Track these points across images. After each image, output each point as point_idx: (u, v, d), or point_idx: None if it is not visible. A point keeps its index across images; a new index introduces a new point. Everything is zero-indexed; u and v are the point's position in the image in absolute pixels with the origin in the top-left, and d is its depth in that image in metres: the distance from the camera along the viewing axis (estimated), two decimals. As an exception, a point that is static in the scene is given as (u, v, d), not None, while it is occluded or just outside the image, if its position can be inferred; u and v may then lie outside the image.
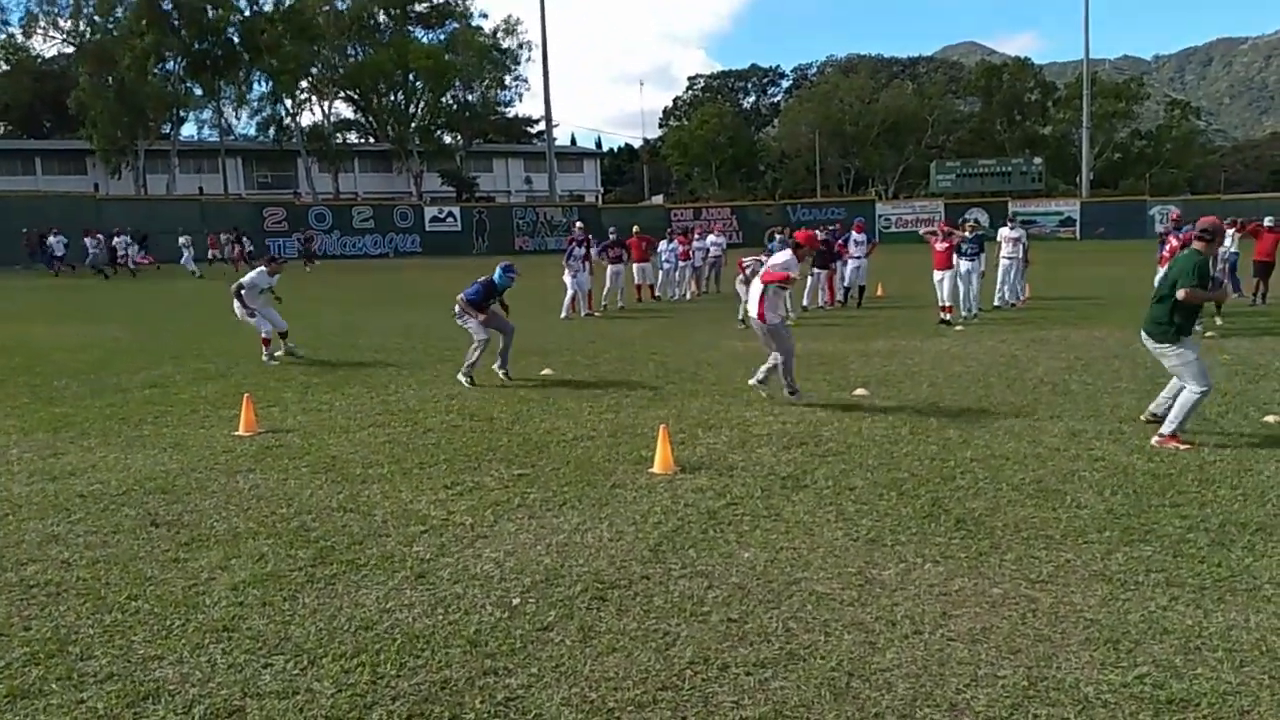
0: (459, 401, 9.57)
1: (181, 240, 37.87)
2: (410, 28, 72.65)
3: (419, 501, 6.07)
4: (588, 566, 4.91)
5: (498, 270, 10.91)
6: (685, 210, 61.79)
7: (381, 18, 71.42)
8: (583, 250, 19.14)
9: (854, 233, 20.19)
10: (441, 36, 71.95)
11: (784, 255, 9.46)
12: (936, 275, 16.36)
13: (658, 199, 76.14)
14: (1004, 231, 18.81)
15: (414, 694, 3.63)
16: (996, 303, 18.41)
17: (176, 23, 58.30)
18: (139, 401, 9.76)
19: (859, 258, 19.77)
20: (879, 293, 22.82)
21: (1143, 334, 7.71)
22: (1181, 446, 7.17)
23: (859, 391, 9.79)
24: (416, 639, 4.09)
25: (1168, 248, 16.39)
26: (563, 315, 18.13)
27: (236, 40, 61.12)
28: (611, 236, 20.44)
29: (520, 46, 71.61)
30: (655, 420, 8.46)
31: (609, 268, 19.89)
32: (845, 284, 19.93)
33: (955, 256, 16.80)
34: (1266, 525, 5.39)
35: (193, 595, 4.60)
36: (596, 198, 79.29)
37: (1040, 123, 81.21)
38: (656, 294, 21.95)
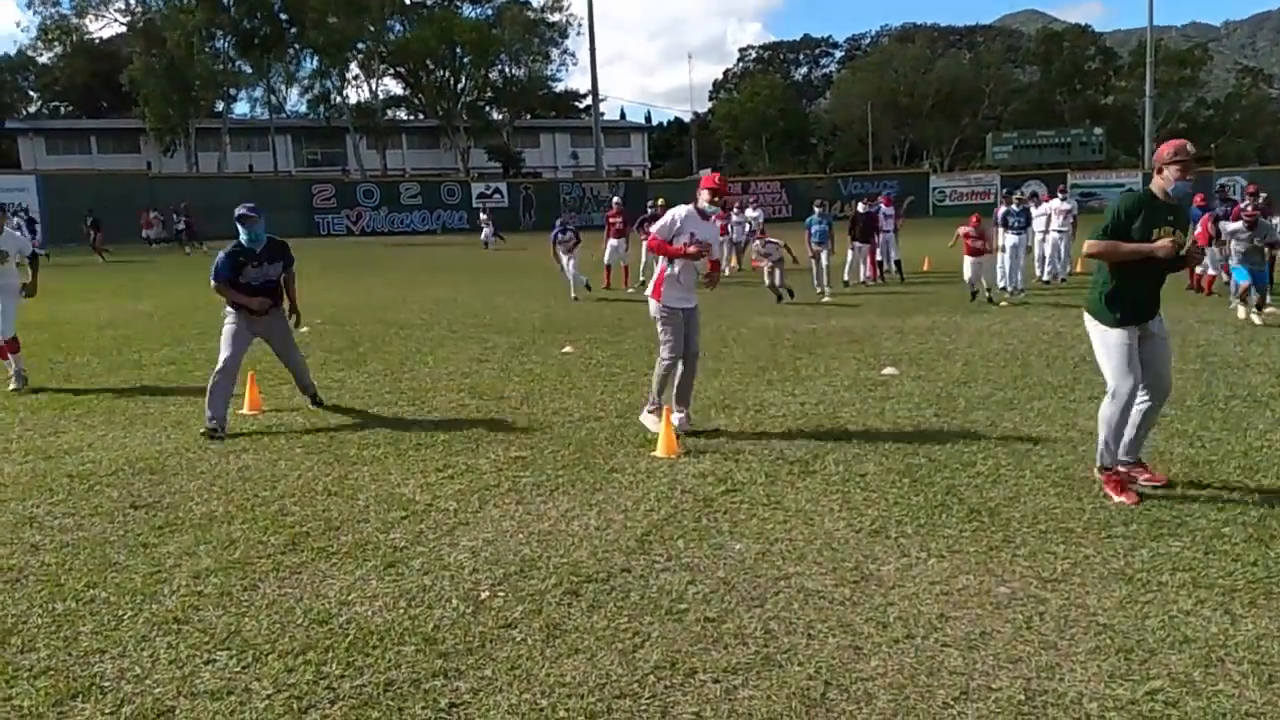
0: (472, 380, 9.34)
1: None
2: (457, 3, 72.64)
3: (406, 485, 5.83)
4: (567, 558, 4.63)
5: (237, 214, 7.43)
6: (734, 184, 61.09)
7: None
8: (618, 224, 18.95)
9: (882, 205, 19.64)
10: (489, 11, 71.77)
11: (671, 212, 7.05)
12: (967, 261, 15.79)
13: (705, 173, 75.35)
14: (1054, 203, 18.07)
15: (354, 696, 3.38)
16: (1046, 278, 17.73)
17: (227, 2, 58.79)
18: (152, 379, 9.69)
19: (887, 231, 19.23)
20: (925, 267, 22.21)
21: None
22: (1117, 497, 5.27)
23: (888, 370, 9.37)
24: (371, 635, 3.84)
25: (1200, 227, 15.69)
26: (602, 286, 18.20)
27: (284, 17, 61.47)
28: (650, 210, 20.03)
29: (567, 20, 71.04)
30: (670, 400, 8.14)
31: (645, 242, 19.46)
32: (878, 259, 19.40)
33: (1002, 232, 16.20)
34: (1313, 519, 4.93)
35: (152, 584, 4.40)
36: (644, 172, 78.68)
37: (1102, 92, 78.81)
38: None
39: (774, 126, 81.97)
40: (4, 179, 43.75)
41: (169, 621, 4.01)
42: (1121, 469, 5.45)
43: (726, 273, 22.23)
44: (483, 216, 40.48)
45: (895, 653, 3.61)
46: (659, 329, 7.00)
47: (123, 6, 59.53)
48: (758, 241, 16.94)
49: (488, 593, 4.25)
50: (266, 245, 7.53)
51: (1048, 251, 17.98)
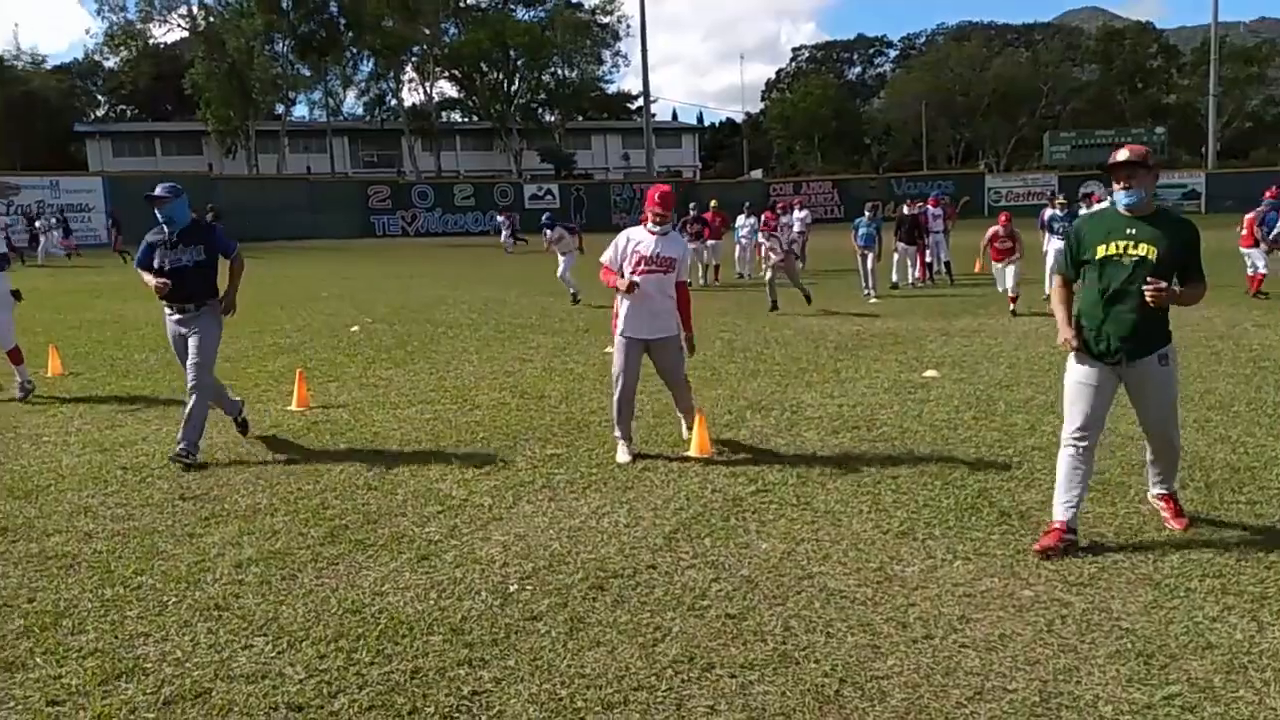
0: (514, 379, 9.48)
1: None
2: (511, 5, 73.28)
3: (445, 480, 5.96)
4: (595, 553, 4.72)
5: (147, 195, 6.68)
6: (785, 184, 60.85)
7: (482, -3, 72.32)
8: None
9: (930, 206, 19.47)
10: (541, 14, 72.28)
11: (620, 235, 6.56)
12: (995, 266, 15.57)
13: (757, 173, 75.04)
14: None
15: (382, 683, 3.50)
16: None
17: (285, 4, 59.91)
18: (207, 375, 9.95)
19: (937, 232, 19.04)
20: (976, 268, 21.95)
21: None
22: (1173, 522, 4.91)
23: (929, 373, 9.34)
24: (401, 624, 3.96)
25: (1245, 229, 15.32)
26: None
27: (341, 20, 62.57)
28: (691, 213, 20.07)
29: (619, 21, 71.24)
30: (707, 401, 8.21)
31: (689, 245, 19.40)
32: (927, 260, 19.23)
33: (1046, 237, 15.94)
34: (1353, 527, 4.85)
35: (196, 572, 4.57)
36: (694, 173, 78.64)
37: (1164, 91, 77.07)
38: (739, 271, 21.43)
39: (826, 126, 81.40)
40: (73, 180, 45.11)
41: (210, 608, 4.17)
42: (1151, 499, 5.09)
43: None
44: (500, 219, 39.77)
45: (913, 652, 3.65)
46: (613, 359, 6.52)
47: (185, 12, 60.87)
48: (763, 236, 16.71)
49: (516, 586, 4.35)
50: (185, 229, 6.62)
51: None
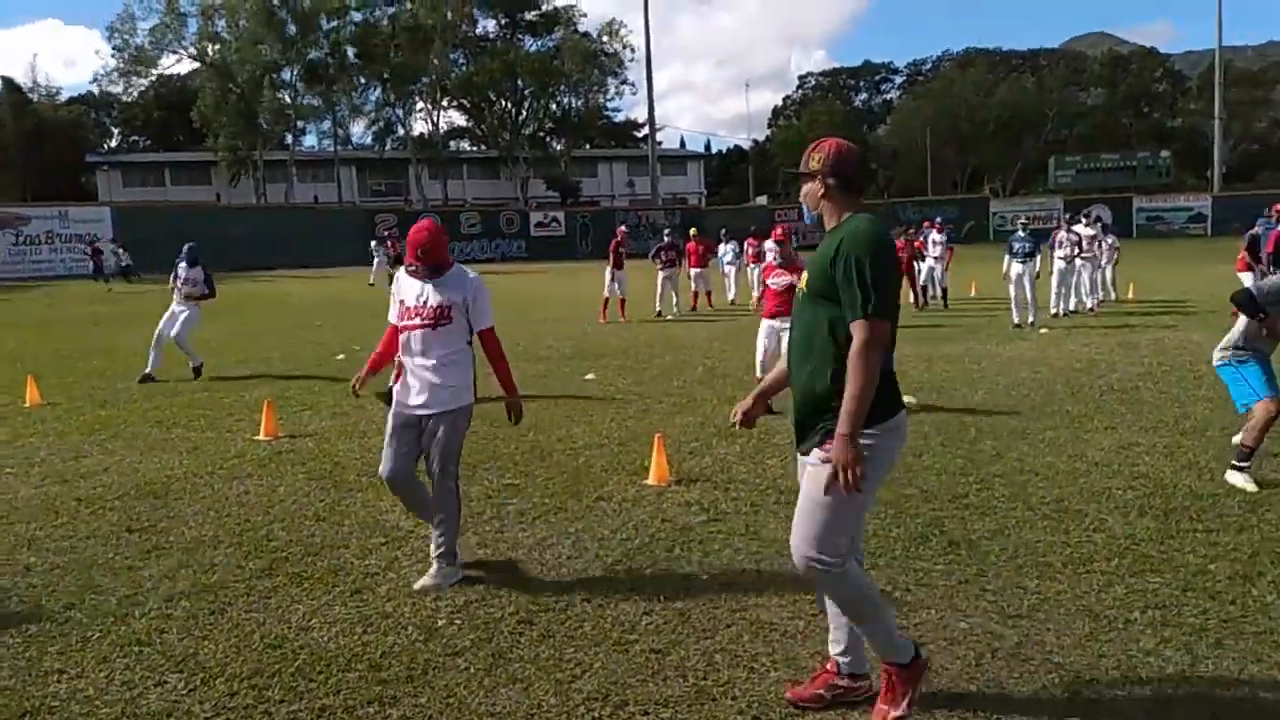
0: (487, 407, 9.39)
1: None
2: (520, 36, 73.91)
3: (394, 511, 5.90)
4: (531, 586, 4.65)
5: None
6: (790, 209, 60.95)
7: (491, 27, 72.95)
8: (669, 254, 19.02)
9: (933, 232, 19.37)
10: (550, 44, 72.85)
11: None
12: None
13: (762, 199, 75.22)
14: (1079, 229, 17.59)
15: (288, 721, 3.44)
16: (1073, 307, 17.16)
17: (292, 32, 60.58)
18: (183, 405, 9.95)
19: (936, 258, 18.96)
20: (972, 291, 21.92)
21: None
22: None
23: (905, 399, 9.22)
24: (320, 660, 3.90)
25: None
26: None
27: (351, 51, 63.25)
28: (666, 239, 19.91)
29: (625, 48, 71.65)
30: (675, 428, 8.16)
31: (659, 272, 19.06)
32: (922, 284, 19.14)
33: (1007, 259, 15.87)
34: (1308, 557, 4.74)
35: (126, 606, 4.52)
36: (700, 199, 78.87)
37: (1169, 115, 77.09)
38: (731, 298, 21.39)
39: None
40: (81, 210, 45.46)
41: (133, 643, 4.11)
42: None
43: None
44: (374, 244, 33.99)
45: (833, 688, 3.55)
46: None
47: (193, 42, 61.56)
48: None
49: (444, 620, 4.28)
50: None
51: (1084, 281, 17.46)
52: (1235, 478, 6.01)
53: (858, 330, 3.02)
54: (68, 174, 66.36)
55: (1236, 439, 6.43)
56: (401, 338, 4.72)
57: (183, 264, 11.79)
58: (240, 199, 61.61)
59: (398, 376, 4.74)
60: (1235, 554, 4.82)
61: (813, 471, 3.18)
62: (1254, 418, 5.93)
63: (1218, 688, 3.48)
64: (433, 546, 4.76)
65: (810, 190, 3.28)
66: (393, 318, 4.82)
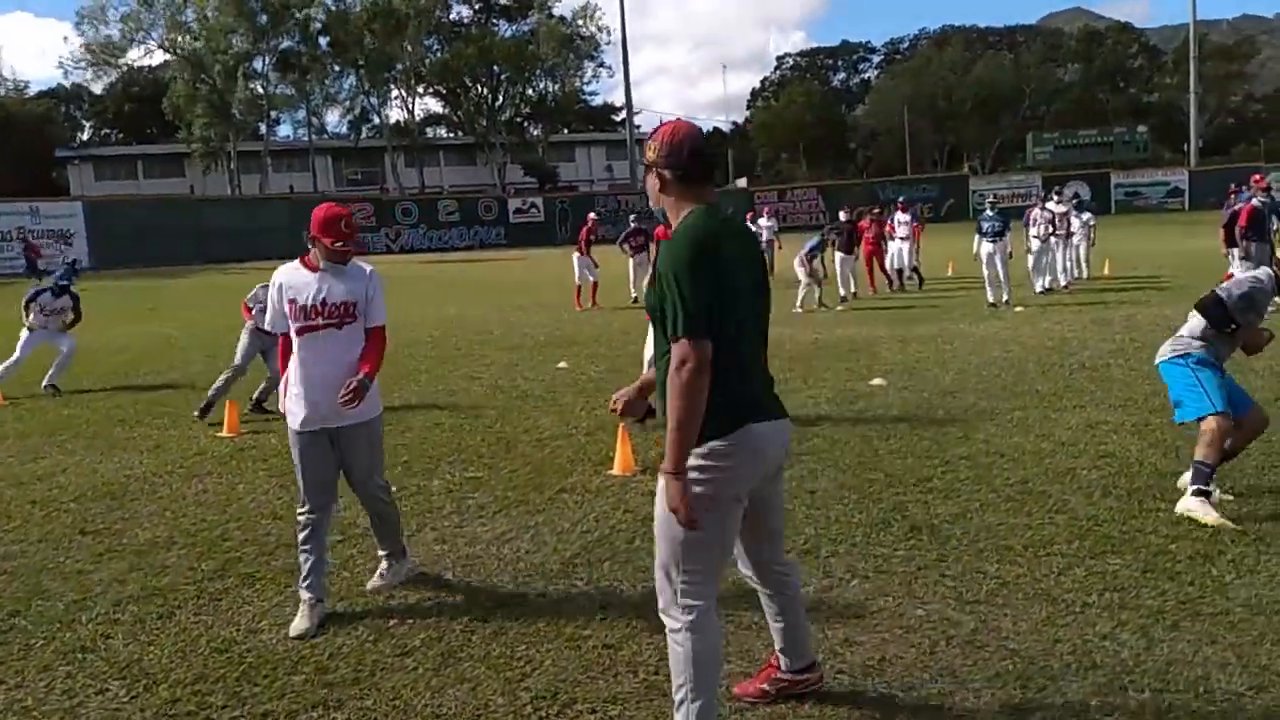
0: (457, 398, 9.35)
1: None
2: (495, 21, 73.41)
3: (352, 508, 5.79)
4: (487, 582, 4.59)
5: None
6: (769, 193, 60.86)
7: (465, 12, 72.42)
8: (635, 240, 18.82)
9: (898, 213, 19.31)
10: (524, 28, 72.37)
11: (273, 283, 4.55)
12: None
13: (741, 182, 75.12)
14: (1051, 206, 17.54)
15: (229, 729, 3.36)
16: (1048, 285, 17.12)
17: (263, 21, 59.92)
18: (147, 403, 9.83)
19: (903, 239, 18.89)
20: (949, 270, 21.91)
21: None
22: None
23: (875, 381, 9.21)
24: (266, 663, 3.82)
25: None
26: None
27: (323, 39, 62.68)
28: (633, 224, 19.71)
29: (600, 31, 71.18)
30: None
31: (629, 258, 18.84)
32: (896, 267, 19.08)
33: (977, 239, 15.83)
34: (1268, 535, 4.72)
35: (74, 611, 4.43)
36: (680, 183, 78.55)
37: (1146, 90, 77.30)
38: None
39: (811, 134, 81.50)
40: (52, 206, 44.93)
41: (76, 650, 4.02)
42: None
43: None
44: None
45: (786, 680, 3.51)
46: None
47: (164, 33, 60.77)
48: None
49: (396, 619, 4.21)
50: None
51: (1058, 258, 17.44)
52: (1196, 507, 4.98)
53: (674, 352, 2.69)
54: (38, 168, 65.51)
55: (1182, 480, 5.35)
56: (297, 343, 4.20)
57: (47, 294, 10.56)
58: (215, 191, 61.06)
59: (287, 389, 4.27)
60: (1197, 533, 4.79)
61: (659, 494, 2.88)
62: (1206, 431, 5.03)
63: (1171, 670, 3.45)
64: (380, 550, 4.63)
65: (650, 185, 2.94)
66: (271, 324, 4.33)
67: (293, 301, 4.18)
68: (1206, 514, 4.93)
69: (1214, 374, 5.19)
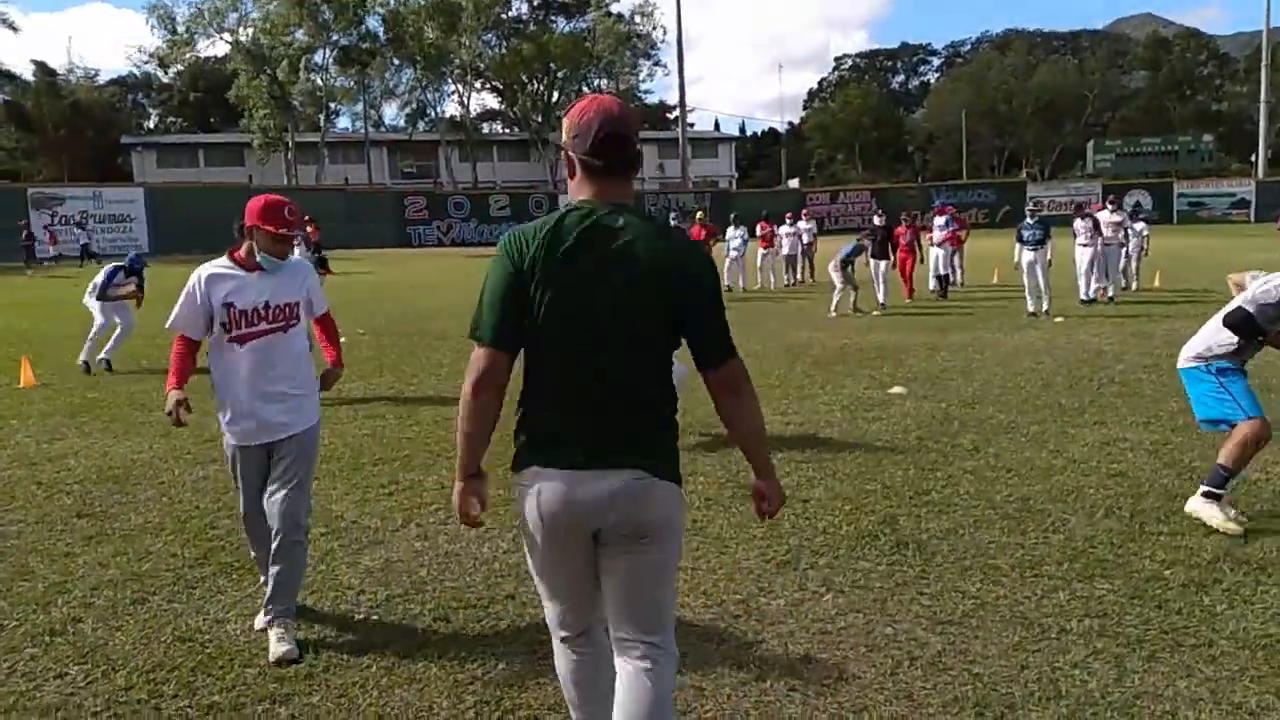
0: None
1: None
2: (553, 17, 73.72)
3: (343, 500, 5.84)
4: (458, 581, 4.56)
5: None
6: (821, 194, 60.34)
7: (524, 9, 72.83)
8: None
9: (936, 216, 18.91)
10: (582, 25, 72.55)
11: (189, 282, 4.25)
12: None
13: (793, 183, 74.57)
14: (1104, 215, 17.08)
15: (177, 717, 3.37)
16: (1093, 294, 16.61)
17: (326, 17, 60.82)
18: (172, 387, 9.96)
19: (937, 244, 18.44)
20: (994, 278, 21.48)
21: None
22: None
23: (895, 389, 9.04)
24: (224, 655, 3.83)
25: None
26: None
27: (382, 33, 63.44)
28: (671, 221, 19.64)
29: (657, 29, 71.08)
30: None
31: None
32: (941, 272, 18.64)
33: (1017, 246, 15.50)
34: (1270, 563, 4.52)
35: (52, 594, 4.48)
36: (730, 182, 78.30)
37: (1215, 98, 75.26)
38: (727, 284, 20.87)
39: (867, 135, 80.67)
40: (115, 191, 46.01)
41: (46, 634, 4.07)
42: None
43: (783, 285, 21.69)
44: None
45: (735, 695, 3.43)
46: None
47: (231, 25, 61.92)
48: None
49: (362, 614, 4.20)
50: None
51: (1096, 267, 16.93)
52: (1202, 508, 5.04)
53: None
54: (105, 155, 67.20)
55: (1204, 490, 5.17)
56: (235, 352, 3.88)
57: (120, 274, 11.54)
58: (272, 180, 62.06)
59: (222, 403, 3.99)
60: (1195, 558, 4.61)
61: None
62: (1239, 435, 4.98)
63: (1138, 704, 3.30)
64: (272, 604, 3.86)
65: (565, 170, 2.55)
66: (188, 328, 3.94)
67: (230, 305, 3.86)
68: (1212, 516, 4.96)
69: (1242, 379, 5.15)
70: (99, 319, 11.29)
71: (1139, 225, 19.31)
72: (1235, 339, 5.13)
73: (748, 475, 6.08)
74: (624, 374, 2.42)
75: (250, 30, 61.71)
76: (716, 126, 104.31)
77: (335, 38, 62.36)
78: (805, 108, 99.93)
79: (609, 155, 2.41)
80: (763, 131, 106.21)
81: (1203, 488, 5.09)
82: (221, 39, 62.94)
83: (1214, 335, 5.24)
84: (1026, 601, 4.18)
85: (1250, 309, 5.07)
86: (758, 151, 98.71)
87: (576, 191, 2.49)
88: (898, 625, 3.97)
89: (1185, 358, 5.38)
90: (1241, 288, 5.33)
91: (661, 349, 2.49)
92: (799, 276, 22.26)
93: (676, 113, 76.15)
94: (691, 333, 2.47)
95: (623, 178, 2.47)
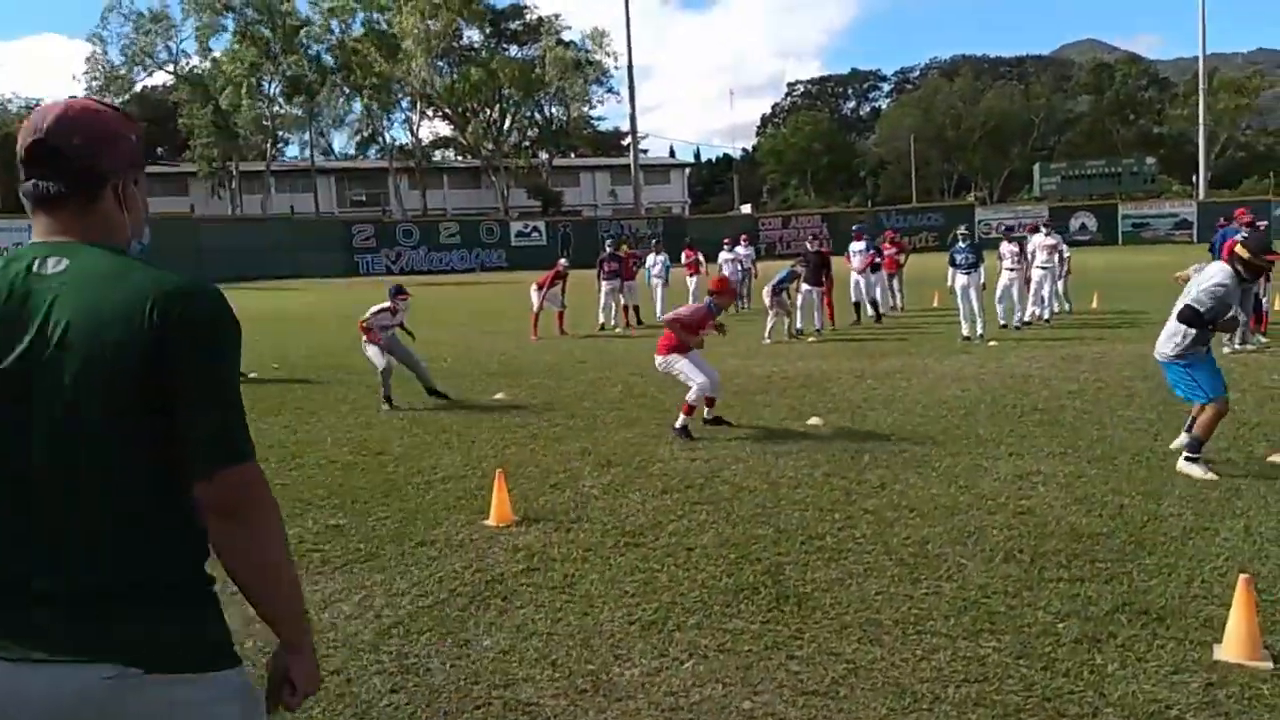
0: (368, 433, 8.88)
1: None
2: (505, 45, 73.49)
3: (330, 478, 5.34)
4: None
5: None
6: (773, 219, 60.51)
7: (476, 36, 72.54)
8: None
9: (853, 242, 18.51)
10: (533, 52, 72.42)
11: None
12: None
13: (746, 208, 74.79)
14: (1037, 239, 16.96)
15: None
16: (1028, 318, 16.49)
17: (272, 46, 60.24)
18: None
19: (859, 271, 18.06)
20: (934, 303, 21.36)
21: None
22: None
23: (812, 421, 8.70)
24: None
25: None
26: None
27: (330, 60, 62.93)
28: (608, 249, 19.21)
29: (609, 56, 71.15)
30: (552, 455, 7.63)
31: (603, 284, 18.47)
32: (852, 299, 18.21)
33: (951, 271, 15.27)
34: (1175, 610, 4.20)
35: None
36: (684, 209, 78.42)
37: (1156, 121, 76.81)
38: (647, 315, 19.72)
39: (818, 161, 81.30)
40: (50, 224, 44.83)
41: None
42: None
43: (737, 310, 21.38)
44: None
45: (555, 793, 3.01)
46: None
47: (167, 56, 61.11)
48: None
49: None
50: None
51: (1031, 289, 16.79)
52: (1191, 468, 6.34)
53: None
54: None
55: (1177, 443, 6.89)
56: None
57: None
58: (217, 211, 61.16)
59: None
60: (1093, 609, 4.27)
61: None
62: (1205, 414, 6.33)
63: (1004, 793, 2.93)
64: None
65: None
66: None
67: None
68: (1193, 471, 6.31)
69: (1206, 367, 6.41)
70: None
71: (1060, 249, 19.17)
72: (1192, 329, 6.33)
73: (637, 519, 5.72)
74: (54, 495, 1.60)
75: (192, 60, 61.03)
76: (672, 153, 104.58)
77: (283, 67, 61.73)
78: (758, 134, 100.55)
79: (35, 174, 1.70)
80: (717, 158, 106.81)
81: (1185, 453, 6.45)
82: (164, 70, 62.12)
83: (1176, 332, 6.46)
84: (903, 665, 3.81)
85: (1198, 306, 6.26)
86: (712, 177, 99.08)
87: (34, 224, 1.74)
88: (757, 698, 3.57)
89: (1160, 353, 6.66)
90: (1187, 279, 6.80)
91: (140, 446, 1.61)
92: (738, 304, 21.89)
93: (628, 139, 76.26)
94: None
95: (62, 205, 1.69)
